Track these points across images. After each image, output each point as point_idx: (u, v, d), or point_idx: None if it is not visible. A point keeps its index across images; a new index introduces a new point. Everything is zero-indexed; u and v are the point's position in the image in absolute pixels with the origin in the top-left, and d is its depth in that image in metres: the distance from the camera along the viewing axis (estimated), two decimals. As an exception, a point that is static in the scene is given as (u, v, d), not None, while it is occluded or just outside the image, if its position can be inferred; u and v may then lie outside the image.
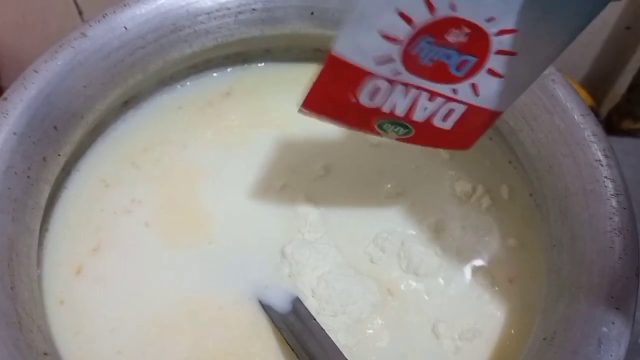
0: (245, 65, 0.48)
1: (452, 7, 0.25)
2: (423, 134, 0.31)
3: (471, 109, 0.30)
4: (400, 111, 0.30)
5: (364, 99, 0.29)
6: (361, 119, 0.30)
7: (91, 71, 0.39)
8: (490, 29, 0.26)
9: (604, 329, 0.30)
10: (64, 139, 0.39)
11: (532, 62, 0.28)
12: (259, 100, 0.46)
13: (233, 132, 0.45)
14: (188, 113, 0.46)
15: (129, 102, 0.45)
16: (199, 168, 0.43)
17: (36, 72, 0.37)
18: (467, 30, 0.26)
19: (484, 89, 0.29)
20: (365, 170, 0.43)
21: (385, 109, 0.29)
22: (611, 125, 0.68)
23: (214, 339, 0.36)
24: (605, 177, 0.35)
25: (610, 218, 0.33)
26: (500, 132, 0.41)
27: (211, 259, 0.39)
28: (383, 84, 0.28)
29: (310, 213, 0.40)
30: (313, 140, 0.43)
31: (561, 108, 0.37)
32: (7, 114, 0.36)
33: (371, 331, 0.37)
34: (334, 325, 0.36)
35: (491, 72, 0.28)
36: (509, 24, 0.26)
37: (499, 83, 0.29)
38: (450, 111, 0.30)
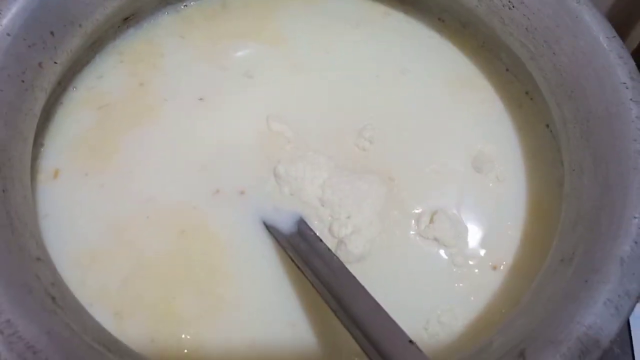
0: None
1: None
2: None
3: None
4: None
5: None
6: None
7: (90, -24, 0.37)
8: None
9: (627, 248, 0.29)
10: (61, 46, 0.36)
11: None
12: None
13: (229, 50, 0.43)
14: (189, 31, 0.44)
15: (129, 20, 0.43)
16: (197, 89, 0.41)
17: (32, -28, 0.35)
18: None
19: None
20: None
21: None
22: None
23: (215, 259, 0.35)
24: (631, 99, 0.33)
25: (635, 140, 0.32)
26: (519, 60, 0.39)
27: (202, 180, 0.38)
28: None
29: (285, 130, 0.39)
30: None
31: (586, 30, 0.36)
32: (0, 13, 0.34)
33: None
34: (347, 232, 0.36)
35: None
36: None
37: None
38: None
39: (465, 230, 0.37)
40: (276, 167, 0.37)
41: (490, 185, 0.38)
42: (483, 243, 0.36)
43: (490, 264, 0.36)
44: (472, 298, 0.35)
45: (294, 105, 0.41)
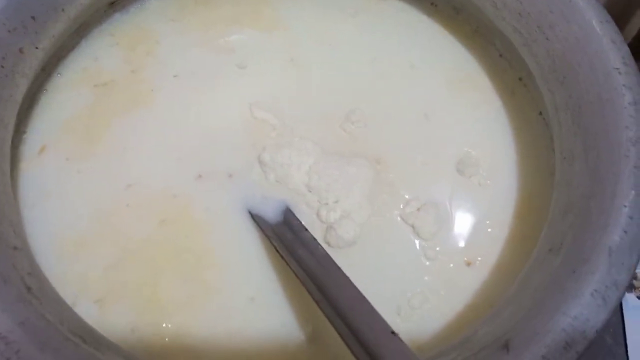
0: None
1: None
2: None
3: None
4: None
5: None
6: None
7: (73, -41, 0.36)
8: None
9: (616, 238, 0.28)
10: (43, 31, 0.36)
11: None
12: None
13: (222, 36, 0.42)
14: (180, 15, 0.43)
15: (115, 4, 0.42)
16: (185, 75, 0.40)
17: (12, -45, 0.34)
18: None
19: None
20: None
21: None
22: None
23: (199, 246, 0.35)
24: (624, 85, 0.32)
25: (627, 127, 0.31)
26: (512, 46, 0.39)
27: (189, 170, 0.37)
28: None
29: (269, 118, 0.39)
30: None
31: (579, 15, 0.35)
32: (-21, -2, 0.33)
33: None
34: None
35: None
36: None
37: None
38: None
39: (447, 224, 0.36)
40: (261, 154, 0.37)
41: (479, 181, 0.37)
42: (461, 238, 0.36)
43: (465, 259, 0.35)
44: (442, 292, 0.34)
45: (283, 93, 0.40)
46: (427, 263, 0.35)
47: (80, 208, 0.36)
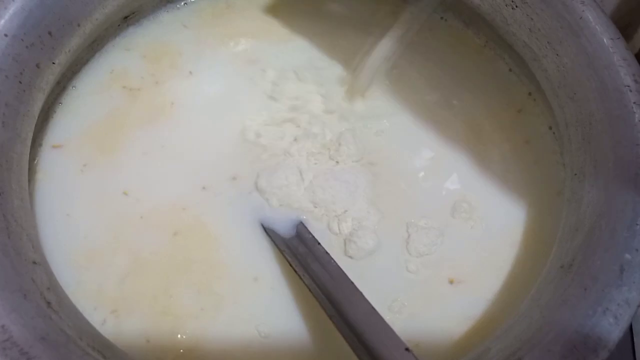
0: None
1: None
2: None
3: None
4: None
5: None
6: None
7: (89, -25, 0.37)
8: None
9: (627, 256, 0.28)
10: (59, 46, 0.36)
11: None
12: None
13: (237, 54, 0.42)
14: (191, 30, 0.43)
15: (129, 18, 0.43)
16: (194, 95, 0.41)
17: (30, -29, 0.35)
18: None
19: None
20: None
21: None
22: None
23: (212, 259, 0.35)
24: (635, 102, 0.32)
25: (637, 144, 0.31)
26: (522, 61, 0.39)
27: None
28: None
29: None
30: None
31: (590, 31, 0.35)
32: (-3, 14, 0.34)
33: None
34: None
35: None
36: None
37: None
38: None
39: (439, 241, 0.36)
40: (257, 181, 0.37)
41: (481, 203, 0.38)
42: (450, 256, 0.36)
43: (448, 277, 0.35)
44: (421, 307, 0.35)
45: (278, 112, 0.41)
46: (410, 276, 0.35)
47: (93, 220, 0.36)
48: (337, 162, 0.38)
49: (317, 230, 0.36)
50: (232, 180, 0.38)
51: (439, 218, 0.37)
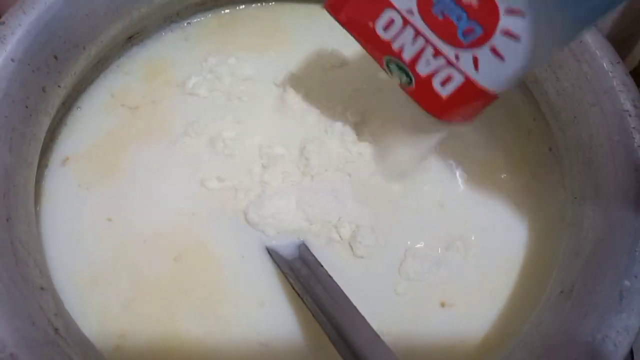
0: (255, 5, 0.46)
1: None
2: (422, 91, 0.31)
3: (468, 84, 0.29)
4: (407, 55, 0.30)
5: (379, 28, 0.30)
6: (374, 45, 0.31)
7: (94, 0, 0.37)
8: (501, 3, 0.27)
9: (627, 282, 0.29)
10: (65, 69, 0.37)
11: (535, 52, 0.27)
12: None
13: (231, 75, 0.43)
14: (194, 47, 0.44)
15: (133, 38, 0.43)
16: (195, 118, 0.41)
17: (36, -4, 0.35)
18: None
19: (484, 66, 0.28)
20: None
21: (395, 46, 0.30)
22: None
23: (220, 280, 0.35)
24: (634, 127, 0.33)
25: (636, 170, 0.32)
26: (523, 83, 0.39)
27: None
28: (397, 19, 0.30)
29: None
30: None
31: (590, 55, 0.35)
32: (4, 39, 0.34)
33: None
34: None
35: (494, 51, 0.28)
36: (518, 4, 0.26)
37: (500, 65, 0.28)
38: (449, 77, 0.29)
39: (436, 266, 0.36)
40: (246, 217, 0.37)
41: (477, 225, 0.38)
42: (445, 279, 0.36)
43: (440, 300, 0.36)
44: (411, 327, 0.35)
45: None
46: (398, 298, 0.36)
47: (98, 244, 0.36)
48: (311, 176, 0.38)
49: (321, 245, 0.37)
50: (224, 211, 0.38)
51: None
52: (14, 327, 0.27)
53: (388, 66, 0.32)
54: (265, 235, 0.37)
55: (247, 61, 0.43)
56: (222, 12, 0.45)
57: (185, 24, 0.45)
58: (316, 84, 0.42)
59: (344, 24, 0.32)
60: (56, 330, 0.28)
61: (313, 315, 0.32)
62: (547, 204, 0.38)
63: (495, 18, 0.27)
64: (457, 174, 0.39)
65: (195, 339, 0.34)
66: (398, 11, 0.30)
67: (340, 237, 0.37)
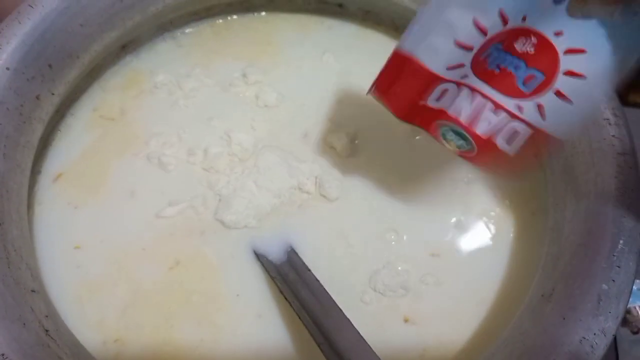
0: (248, 14, 0.47)
1: (523, 19, 0.27)
2: (484, 153, 0.29)
3: (537, 134, 0.27)
4: (465, 118, 0.28)
5: (431, 100, 0.29)
6: (426, 118, 0.30)
7: (88, 9, 0.38)
8: (559, 44, 0.26)
9: (604, 286, 0.29)
10: (59, 78, 0.38)
11: (600, 87, 0.26)
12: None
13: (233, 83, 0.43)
14: (187, 57, 0.45)
15: (127, 47, 0.44)
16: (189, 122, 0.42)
17: (31, 7, 0.36)
18: (534, 40, 0.26)
19: (551, 112, 0.27)
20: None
21: (451, 112, 0.29)
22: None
23: (211, 289, 0.36)
24: (613, 135, 0.34)
25: (616, 177, 0.33)
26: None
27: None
28: (451, 87, 0.29)
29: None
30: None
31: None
32: (0, 48, 0.35)
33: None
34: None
35: (559, 94, 0.26)
36: (578, 43, 0.25)
37: (568, 108, 0.27)
38: (515, 133, 0.28)
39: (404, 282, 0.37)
40: (223, 222, 0.38)
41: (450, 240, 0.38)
42: (412, 294, 0.36)
43: (403, 315, 0.36)
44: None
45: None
46: (363, 306, 0.36)
47: (95, 250, 0.37)
48: (255, 164, 0.40)
49: (300, 210, 0.38)
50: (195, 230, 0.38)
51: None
52: (6, 329, 0.28)
53: (444, 137, 0.30)
54: (249, 228, 0.37)
55: (235, 71, 0.43)
56: (217, 21, 0.46)
57: (178, 33, 0.46)
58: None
59: (393, 112, 0.31)
60: (47, 331, 0.29)
61: (300, 318, 0.32)
62: (530, 210, 0.38)
63: (555, 61, 0.26)
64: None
65: (192, 344, 0.34)
66: (450, 81, 0.28)
67: (308, 193, 0.39)
